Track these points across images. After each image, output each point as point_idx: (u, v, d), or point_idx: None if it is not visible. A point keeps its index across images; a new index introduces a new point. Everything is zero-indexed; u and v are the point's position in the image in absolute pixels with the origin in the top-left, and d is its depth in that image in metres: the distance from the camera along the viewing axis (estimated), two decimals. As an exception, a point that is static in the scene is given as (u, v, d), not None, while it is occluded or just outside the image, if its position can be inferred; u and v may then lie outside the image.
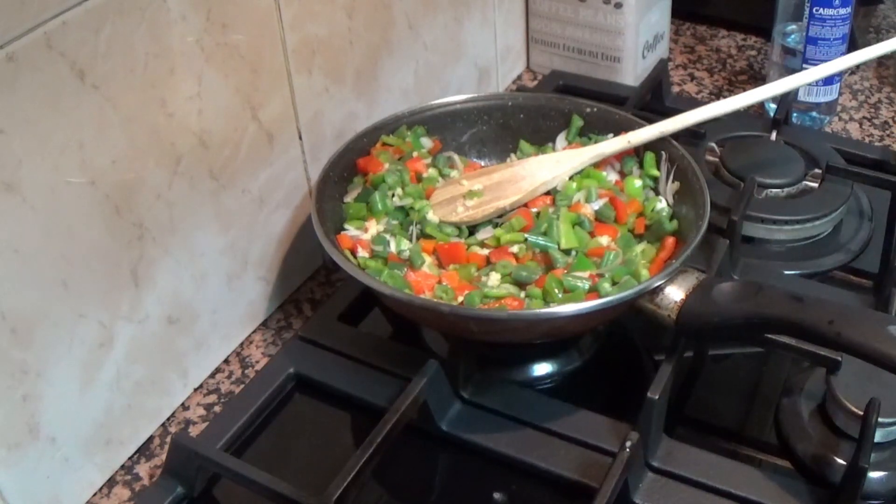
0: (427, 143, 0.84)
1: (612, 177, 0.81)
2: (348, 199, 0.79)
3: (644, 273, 0.70)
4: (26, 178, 0.58)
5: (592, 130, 0.85)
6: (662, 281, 0.67)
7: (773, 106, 1.01)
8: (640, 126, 0.81)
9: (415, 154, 0.82)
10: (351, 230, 0.76)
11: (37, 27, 0.56)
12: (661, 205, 0.78)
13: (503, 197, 0.77)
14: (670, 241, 0.74)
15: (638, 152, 0.82)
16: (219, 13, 0.69)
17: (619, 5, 1.06)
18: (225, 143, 0.73)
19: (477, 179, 0.79)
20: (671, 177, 0.79)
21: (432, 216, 0.77)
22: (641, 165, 0.81)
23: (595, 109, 0.85)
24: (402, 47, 0.92)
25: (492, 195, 0.77)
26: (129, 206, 0.66)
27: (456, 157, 0.85)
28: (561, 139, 0.85)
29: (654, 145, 0.81)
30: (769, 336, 0.66)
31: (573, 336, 0.77)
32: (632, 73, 1.10)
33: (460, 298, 0.70)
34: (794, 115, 1.02)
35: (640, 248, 0.74)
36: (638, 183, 0.79)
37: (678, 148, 0.79)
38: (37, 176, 0.58)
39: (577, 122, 0.85)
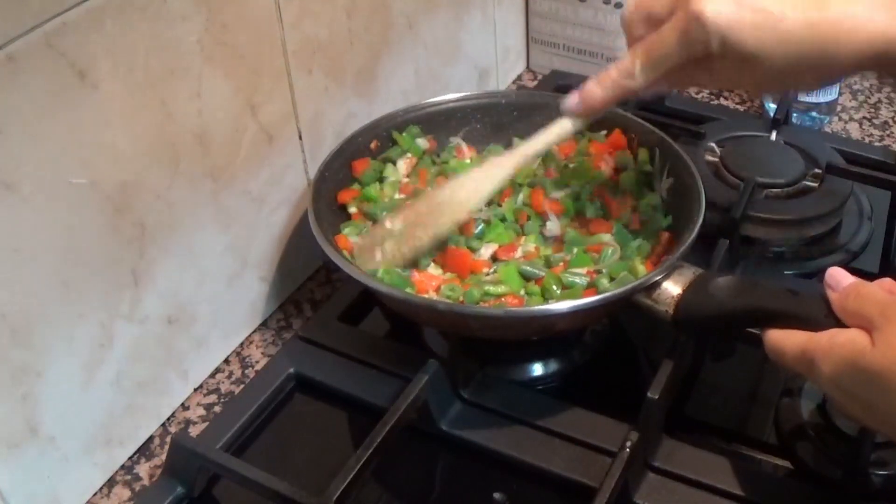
0: (423, 143, 0.84)
1: (607, 172, 0.81)
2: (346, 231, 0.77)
3: (641, 269, 0.70)
4: (26, 178, 0.58)
5: (586, 127, 0.85)
6: (659, 276, 0.67)
7: (773, 106, 1.01)
8: (633, 121, 0.83)
9: (409, 155, 0.83)
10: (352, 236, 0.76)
11: (37, 27, 0.56)
12: (656, 200, 0.78)
13: (423, 232, 0.72)
14: (665, 236, 0.75)
15: (632, 148, 0.82)
16: (219, 13, 0.69)
17: (619, 5, 1.06)
18: (225, 143, 0.73)
19: (401, 215, 0.75)
20: (665, 173, 0.79)
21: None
22: (636, 161, 0.81)
23: None
24: (402, 47, 0.92)
25: (414, 228, 0.73)
26: (130, 206, 0.66)
27: (463, 144, 0.85)
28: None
29: (648, 141, 0.81)
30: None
31: (573, 332, 0.77)
32: (632, 73, 1.10)
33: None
34: (794, 115, 1.02)
35: (636, 243, 0.74)
36: (632, 178, 0.80)
37: (672, 144, 0.79)
38: (37, 176, 0.58)
39: None
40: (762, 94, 1.01)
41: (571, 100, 0.69)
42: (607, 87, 0.66)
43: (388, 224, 0.74)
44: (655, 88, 0.67)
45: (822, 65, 0.59)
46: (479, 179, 0.74)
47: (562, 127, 0.71)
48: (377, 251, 0.73)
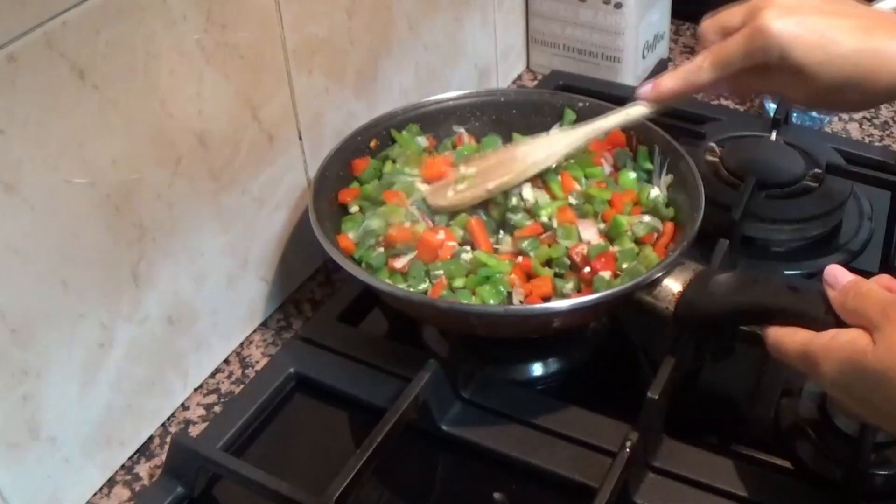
0: (422, 141, 0.84)
1: (607, 170, 0.82)
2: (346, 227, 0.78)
3: (653, 256, 0.71)
4: (26, 178, 0.58)
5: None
6: (660, 273, 0.67)
7: (773, 106, 1.01)
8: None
9: (408, 153, 0.83)
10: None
11: (37, 27, 0.56)
12: (656, 192, 0.78)
13: (492, 179, 0.77)
14: (669, 226, 0.75)
15: (632, 146, 0.82)
16: (219, 13, 0.69)
17: (619, 5, 1.06)
18: (225, 143, 0.73)
19: (473, 163, 0.79)
20: (665, 169, 0.79)
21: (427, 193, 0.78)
22: (635, 158, 0.82)
23: (587, 104, 0.86)
24: (402, 47, 0.92)
25: (483, 178, 0.77)
26: (130, 206, 0.66)
27: (465, 133, 0.85)
28: (554, 132, 0.86)
29: (647, 139, 0.81)
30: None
31: (574, 329, 0.77)
32: (632, 73, 1.10)
33: None
34: (794, 114, 1.02)
35: (644, 225, 0.75)
36: (632, 175, 0.80)
37: (671, 141, 0.79)
38: (37, 176, 0.58)
39: (570, 116, 0.85)
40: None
41: (645, 86, 0.75)
42: (678, 78, 0.73)
43: (462, 169, 0.79)
44: (718, 90, 0.76)
45: (864, 88, 0.66)
46: (551, 144, 0.79)
47: (633, 110, 0.77)
48: (450, 189, 0.77)
